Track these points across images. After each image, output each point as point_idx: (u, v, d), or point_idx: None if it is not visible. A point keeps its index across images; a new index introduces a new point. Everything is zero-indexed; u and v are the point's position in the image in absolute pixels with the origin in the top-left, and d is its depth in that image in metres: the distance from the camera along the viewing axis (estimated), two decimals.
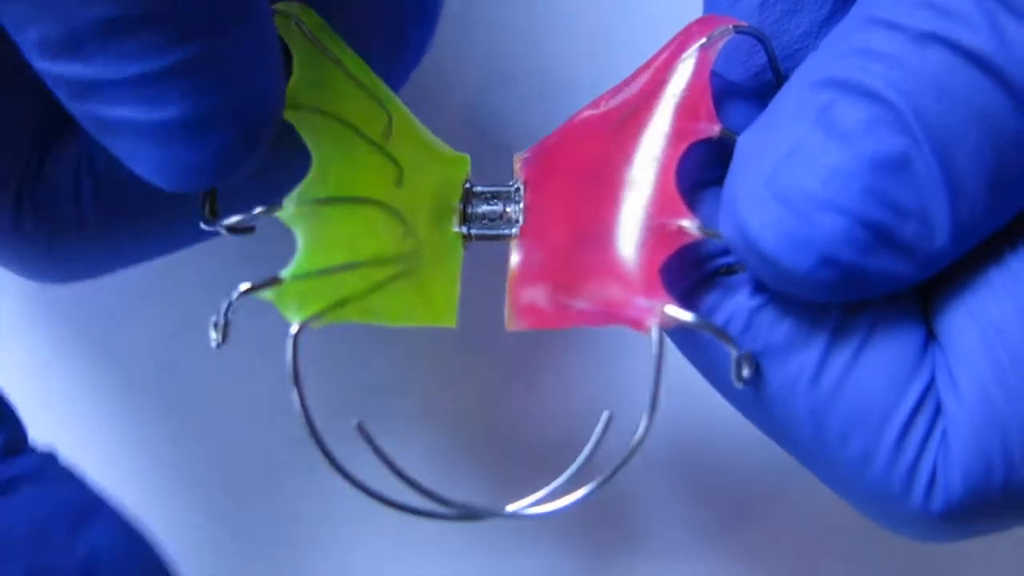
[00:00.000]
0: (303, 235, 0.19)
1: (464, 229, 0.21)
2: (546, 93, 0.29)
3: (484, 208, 0.22)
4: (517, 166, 0.22)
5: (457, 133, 0.23)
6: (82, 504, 0.17)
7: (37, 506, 0.17)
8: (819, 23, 0.21)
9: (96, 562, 0.17)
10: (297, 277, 0.19)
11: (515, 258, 0.21)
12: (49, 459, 0.18)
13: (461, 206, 0.22)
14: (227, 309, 0.19)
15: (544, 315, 0.20)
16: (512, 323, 0.21)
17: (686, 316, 0.18)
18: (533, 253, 0.21)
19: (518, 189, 0.22)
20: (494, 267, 0.22)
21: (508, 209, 0.22)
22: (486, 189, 0.22)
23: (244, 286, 0.19)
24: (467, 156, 0.23)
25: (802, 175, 0.17)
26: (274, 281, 0.19)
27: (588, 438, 0.19)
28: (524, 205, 0.21)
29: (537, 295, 0.20)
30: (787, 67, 0.21)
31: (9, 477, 0.17)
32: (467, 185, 0.22)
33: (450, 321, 0.21)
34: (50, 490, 0.17)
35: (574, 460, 0.19)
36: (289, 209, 0.19)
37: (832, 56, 0.18)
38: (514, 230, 0.21)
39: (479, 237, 0.21)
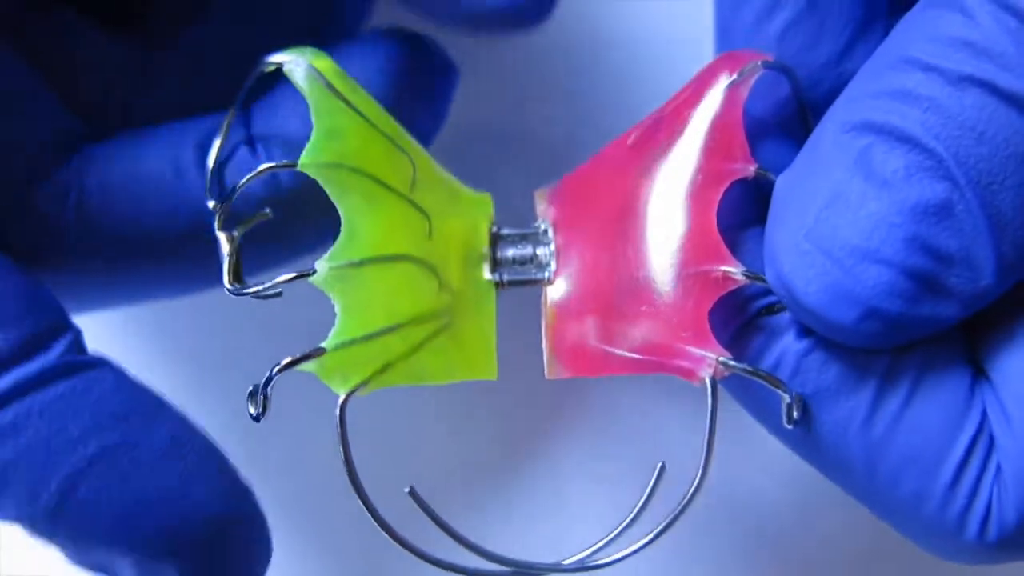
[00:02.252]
0: (339, 300, 0.19)
1: (496, 276, 0.21)
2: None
3: (513, 252, 0.21)
4: (541, 206, 0.22)
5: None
6: (152, 401, 0.19)
7: (112, 394, 0.19)
8: (839, 53, 0.21)
9: (179, 444, 0.19)
10: (340, 346, 0.18)
11: (551, 302, 0.21)
12: (107, 363, 0.20)
13: (491, 252, 0.21)
14: (267, 383, 0.18)
15: (588, 362, 0.20)
16: (554, 371, 0.20)
17: (739, 367, 0.18)
18: (570, 297, 0.21)
19: (546, 231, 0.21)
20: (523, 312, 0.21)
21: (538, 252, 0.21)
22: (513, 232, 0.21)
23: (286, 360, 0.18)
24: (488, 195, 0.22)
25: (843, 226, 0.17)
26: (317, 352, 0.18)
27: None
28: (555, 247, 0.21)
29: (579, 341, 0.20)
30: (811, 96, 0.21)
31: (85, 362, 0.19)
32: (493, 228, 0.21)
33: (490, 373, 0.20)
34: (121, 383, 0.19)
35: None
36: (322, 273, 0.19)
37: (867, 96, 0.18)
38: (547, 274, 0.21)
39: (512, 283, 0.21)
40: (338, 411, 0.18)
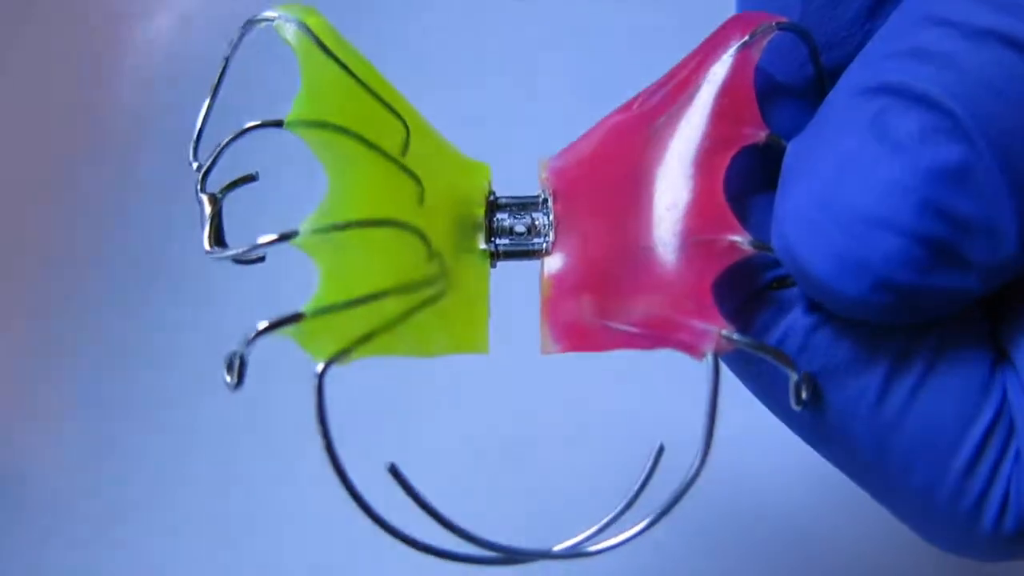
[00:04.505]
0: (323, 264, 0.18)
1: (491, 246, 0.20)
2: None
3: (510, 221, 0.20)
4: (543, 174, 0.21)
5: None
6: None
7: None
8: (864, 12, 0.20)
9: None
10: (320, 311, 0.17)
11: (548, 275, 0.20)
12: None
13: (486, 220, 0.20)
14: (243, 349, 0.17)
15: (585, 337, 0.19)
16: (549, 346, 0.19)
17: (744, 340, 0.17)
18: (568, 269, 0.20)
19: (546, 200, 0.20)
20: (520, 284, 0.20)
21: (537, 221, 0.20)
22: (511, 200, 0.20)
23: (262, 324, 0.17)
24: (487, 163, 0.21)
25: (854, 192, 0.16)
26: (295, 317, 0.17)
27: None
28: (554, 217, 0.20)
29: (576, 315, 0.19)
30: (829, 59, 0.20)
31: None
32: (490, 196, 0.20)
33: (482, 347, 0.19)
34: None
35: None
36: (305, 236, 0.18)
37: (882, 57, 0.17)
38: (545, 244, 0.20)
39: (507, 254, 0.20)
40: (316, 380, 0.17)
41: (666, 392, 0.25)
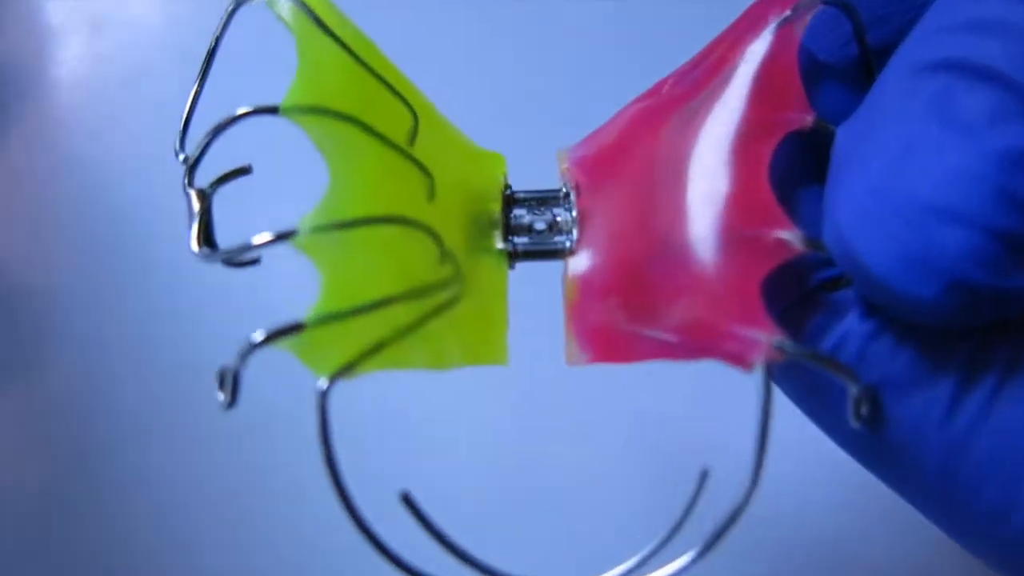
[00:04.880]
0: (324, 267, 0.16)
1: (509, 245, 0.18)
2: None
3: (530, 217, 0.18)
4: (563, 165, 0.19)
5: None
6: None
7: None
8: None
9: None
10: (322, 320, 0.16)
11: (573, 276, 0.18)
12: None
13: (503, 216, 0.18)
14: (237, 364, 0.16)
15: (615, 346, 0.17)
16: (576, 356, 0.17)
17: (799, 350, 0.15)
18: (595, 270, 0.18)
19: (567, 194, 0.19)
20: (544, 287, 0.18)
21: (559, 218, 0.18)
22: (530, 194, 0.19)
23: (258, 335, 0.15)
24: (502, 154, 0.19)
25: (918, 181, 0.15)
26: (295, 328, 0.15)
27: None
28: (577, 213, 0.18)
29: (605, 321, 0.17)
30: (875, 37, 0.18)
31: None
32: (507, 191, 0.19)
33: (501, 358, 0.17)
34: None
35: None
36: (304, 235, 0.16)
37: (940, 31, 0.15)
38: (568, 242, 0.18)
39: (528, 254, 0.18)
40: (318, 398, 0.15)
41: (701, 394, 0.24)
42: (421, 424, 0.25)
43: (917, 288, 0.15)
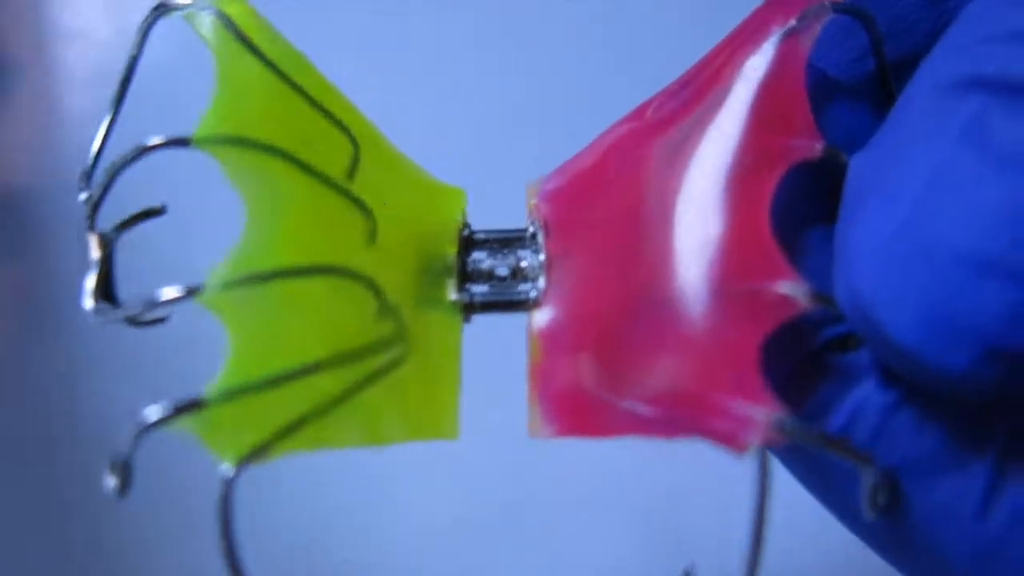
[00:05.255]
0: (235, 328, 0.13)
1: (465, 295, 0.16)
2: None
3: (490, 262, 0.16)
4: (532, 200, 0.16)
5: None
6: None
7: None
8: None
9: None
10: (228, 395, 0.13)
11: (538, 333, 0.15)
12: None
13: (458, 261, 0.16)
14: (129, 450, 0.13)
15: (586, 417, 0.14)
16: (539, 428, 0.15)
17: (804, 432, 0.13)
18: (564, 326, 0.15)
19: (535, 234, 0.16)
20: (506, 342, 0.16)
21: (524, 262, 0.16)
22: (491, 234, 0.16)
23: (152, 415, 0.13)
24: (461, 189, 0.17)
25: (949, 223, 0.12)
26: (194, 405, 0.13)
27: None
28: (546, 257, 0.16)
29: (574, 388, 0.15)
30: (893, 51, 0.16)
31: None
32: (464, 231, 0.16)
33: (450, 431, 0.15)
34: None
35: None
36: (213, 290, 0.13)
37: (972, 42, 0.13)
38: (534, 292, 0.16)
39: (486, 305, 0.16)
40: (222, 487, 0.13)
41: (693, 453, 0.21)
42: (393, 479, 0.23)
43: (948, 356, 0.12)
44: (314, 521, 0.25)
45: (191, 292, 0.14)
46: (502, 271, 0.16)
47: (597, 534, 0.23)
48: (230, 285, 0.13)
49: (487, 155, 0.21)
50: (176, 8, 0.15)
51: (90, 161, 0.16)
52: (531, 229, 0.16)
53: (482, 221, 0.16)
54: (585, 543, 0.23)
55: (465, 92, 0.25)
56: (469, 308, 0.16)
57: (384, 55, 0.29)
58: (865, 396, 0.14)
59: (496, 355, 0.17)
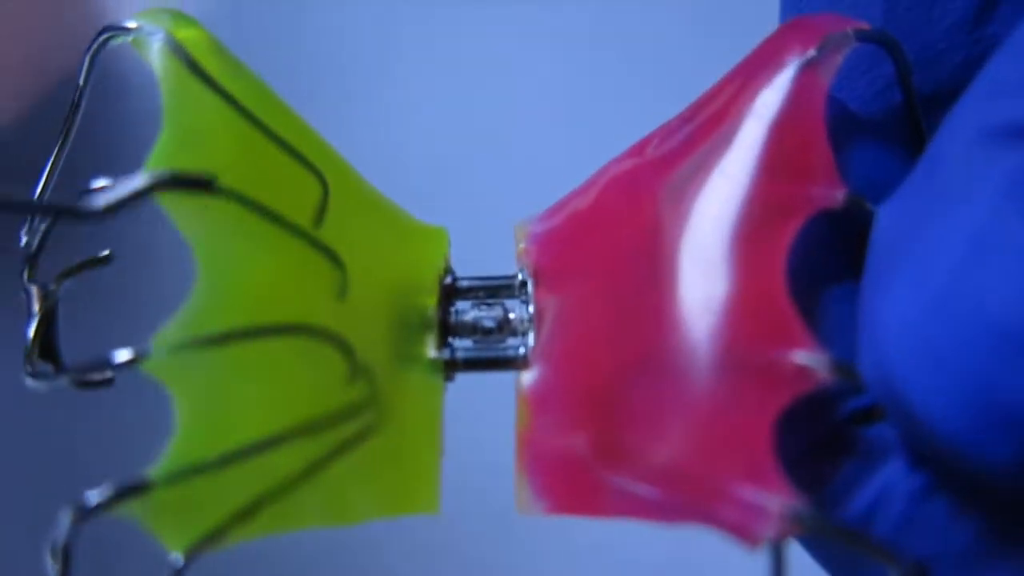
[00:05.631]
0: (183, 399, 0.12)
1: (446, 352, 0.14)
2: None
3: (475, 314, 0.14)
4: (521, 244, 0.15)
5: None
6: None
7: None
8: (972, 13, 0.14)
9: None
10: (176, 476, 0.12)
11: (527, 395, 0.14)
12: None
13: (439, 313, 0.14)
14: (69, 534, 0.12)
15: (581, 495, 0.13)
16: (527, 503, 0.13)
17: (824, 525, 0.11)
18: (555, 389, 0.14)
19: (524, 283, 0.14)
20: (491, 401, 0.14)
21: (512, 314, 0.14)
22: (476, 282, 0.15)
23: (93, 499, 0.11)
24: (443, 229, 0.15)
25: (993, 294, 0.11)
26: (138, 489, 0.11)
27: None
28: (536, 308, 0.14)
29: (566, 460, 0.13)
30: (923, 81, 0.14)
31: None
32: (446, 279, 0.15)
33: (430, 505, 0.13)
34: None
35: None
36: (160, 355, 0.12)
37: (1015, 81, 0.11)
38: (522, 349, 0.14)
39: (469, 364, 0.14)
40: None
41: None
42: None
43: (992, 446, 0.11)
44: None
45: (139, 357, 0.12)
46: (488, 323, 0.14)
47: None
48: (177, 349, 0.12)
49: (474, 192, 0.20)
50: (122, 32, 0.14)
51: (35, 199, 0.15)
52: (520, 276, 0.15)
53: (466, 266, 0.15)
54: None
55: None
56: (451, 366, 0.14)
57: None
58: (892, 478, 0.12)
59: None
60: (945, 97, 0.13)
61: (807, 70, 0.13)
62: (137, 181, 0.11)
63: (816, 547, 0.13)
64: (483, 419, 0.15)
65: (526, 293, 0.14)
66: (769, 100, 0.13)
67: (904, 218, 0.12)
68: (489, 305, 0.14)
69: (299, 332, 0.13)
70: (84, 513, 0.12)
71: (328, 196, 0.14)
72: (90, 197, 0.11)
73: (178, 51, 0.13)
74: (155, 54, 0.13)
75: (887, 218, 0.12)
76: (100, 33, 0.14)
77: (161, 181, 0.12)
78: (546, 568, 0.22)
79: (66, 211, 0.11)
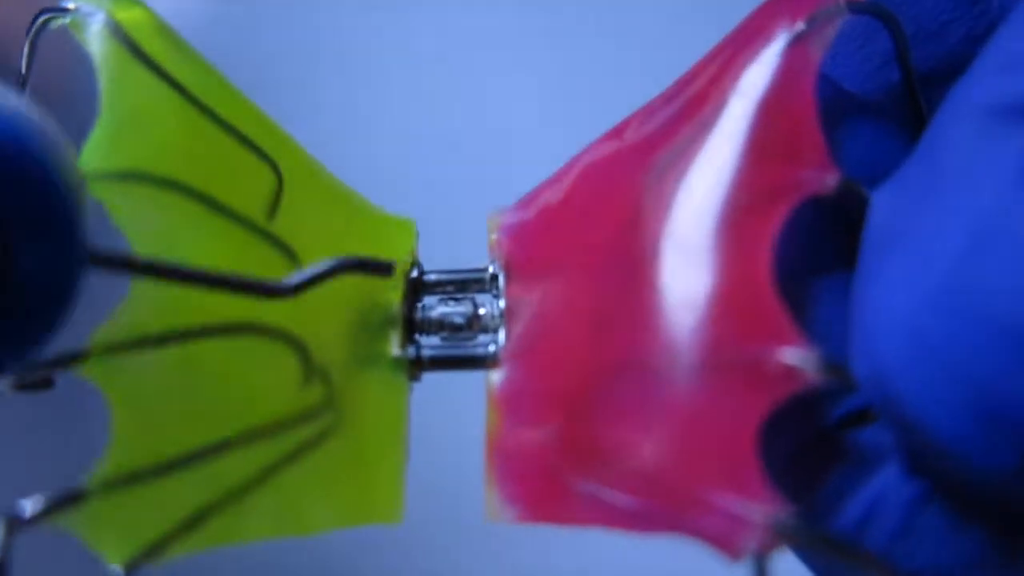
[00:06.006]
0: (122, 404, 0.11)
1: (412, 351, 0.13)
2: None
3: (443, 309, 0.14)
4: (493, 235, 0.14)
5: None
6: None
7: None
8: None
9: None
10: (114, 484, 0.11)
11: (497, 396, 0.13)
12: None
13: (404, 309, 0.13)
14: (2, 546, 0.11)
15: (552, 503, 0.12)
16: (496, 510, 0.13)
17: (812, 536, 0.10)
18: (527, 389, 0.13)
19: (495, 276, 0.14)
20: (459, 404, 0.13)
21: (482, 309, 0.14)
22: (444, 277, 0.14)
23: (28, 511, 0.11)
24: (411, 221, 0.14)
25: (999, 286, 0.10)
26: (72, 499, 0.11)
27: None
28: (508, 303, 0.13)
29: (538, 464, 0.12)
30: (922, 57, 0.13)
31: None
32: (412, 272, 0.14)
33: (391, 514, 0.13)
34: None
35: None
36: (92, 356, 0.11)
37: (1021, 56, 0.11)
38: (493, 347, 0.13)
39: (436, 363, 0.13)
40: None
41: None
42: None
43: (994, 453, 0.10)
44: None
45: (69, 362, 0.11)
46: (457, 319, 0.13)
47: None
48: (111, 351, 0.11)
49: (444, 180, 0.19)
50: (60, 14, 0.13)
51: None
52: (491, 270, 0.14)
53: (434, 260, 0.14)
54: None
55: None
56: (416, 365, 0.13)
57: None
58: (887, 486, 0.11)
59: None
60: (946, 74, 0.13)
61: (796, 44, 0.12)
62: (325, 264, 0.12)
63: (810, 557, 0.12)
64: (453, 421, 0.14)
65: (497, 287, 0.14)
66: (755, 77, 0.12)
67: (902, 204, 0.11)
68: (458, 300, 0.14)
69: (247, 331, 0.12)
70: (18, 523, 0.11)
71: (282, 185, 0.13)
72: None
73: (116, 32, 0.12)
74: (94, 37, 0.13)
75: (883, 204, 0.12)
76: (38, 16, 0.13)
77: (346, 264, 0.12)
78: None
79: (255, 289, 0.11)
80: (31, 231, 0.09)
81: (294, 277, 0.11)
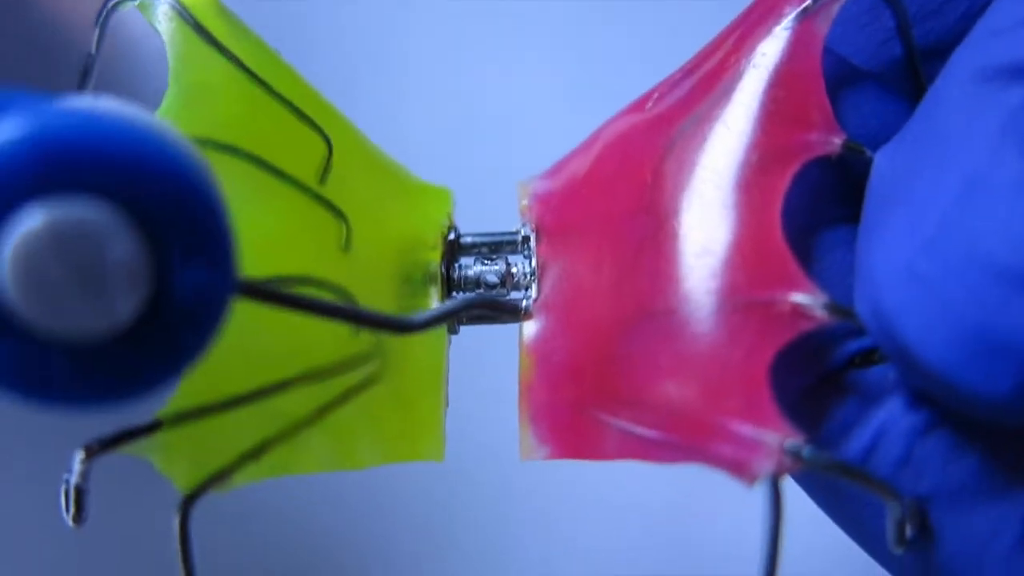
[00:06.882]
0: None
1: None
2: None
3: (478, 269, 0.15)
4: (524, 201, 0.15)
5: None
6: None
7: None
8: None
9: None
10: (185, 418, 0.12)
11: (529, 346, 0.14)
12: None
13: (443, 268, 0.14)
14: (80, 472, 0.12)
15: (582, 440, 0.13)
16: (531, 449, 0.14)
17: (821, 460, 0.11)
18: (557, 339, 0.14)
19: (527, 238, 0.15)
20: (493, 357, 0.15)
21: (515, 268, 0.15)
22: (479, 238, 0.15)
23: (102, 440, 0.12)
24: (448, 189, 0.15)
25: (988, 234, 0.11)
26: (148, 428, 0.12)
27: None
28: (539, 262, 0.14)
29: (569, 406, 0.13)
30: (923, 34, 0.14)
31: None
32: (450, 235, 0.15)
33: (433, 452, 0.14)
34: None
35: None
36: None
37: (1016, 23, 0.12)
38: (526, 302, 0.14)
39: (474, 317, 0.14)
40: (177, 517, 0.12)
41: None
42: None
43: (988, 381, 0.11)
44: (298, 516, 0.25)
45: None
46: (491, 278, 0.15)
47: (601, 545, 0.22)
48: None
49: (478, 151, 0.20)
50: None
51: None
52: (523, 232, 0.15)
53: (470, 223, 0.15)
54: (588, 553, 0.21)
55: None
56: (455, 318, 0.14)
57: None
58: (890, 417, 0.12)
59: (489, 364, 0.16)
60: (945, 50, 0.13)
61: (804, 20, 0.13)
62: (454, 302, 0.13)
63: (815, 489, 0.13)
64: (488, 371, 0.15)
65: (528, 248, 0.15)
66: (768, 50, 0.13)
67: (902, 162, 0.12)
68: (492, 260, 0.15)
69: (303, 284, 0.13)
70: (88, 455, 0.12)
71: (332, 154, 0.14)
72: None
73: (182, 13, 0.14)
74: (162, 18, 0.14)
75: (885, 163, 0.12)
76: (107, 1, 0.15)
77: (475, 302, 0.13)
78: (549, 515, 0.22)
79: (388, 324, 0.12)
80: (190, 255, 0.09)
81: (423, 315, 0.12)
